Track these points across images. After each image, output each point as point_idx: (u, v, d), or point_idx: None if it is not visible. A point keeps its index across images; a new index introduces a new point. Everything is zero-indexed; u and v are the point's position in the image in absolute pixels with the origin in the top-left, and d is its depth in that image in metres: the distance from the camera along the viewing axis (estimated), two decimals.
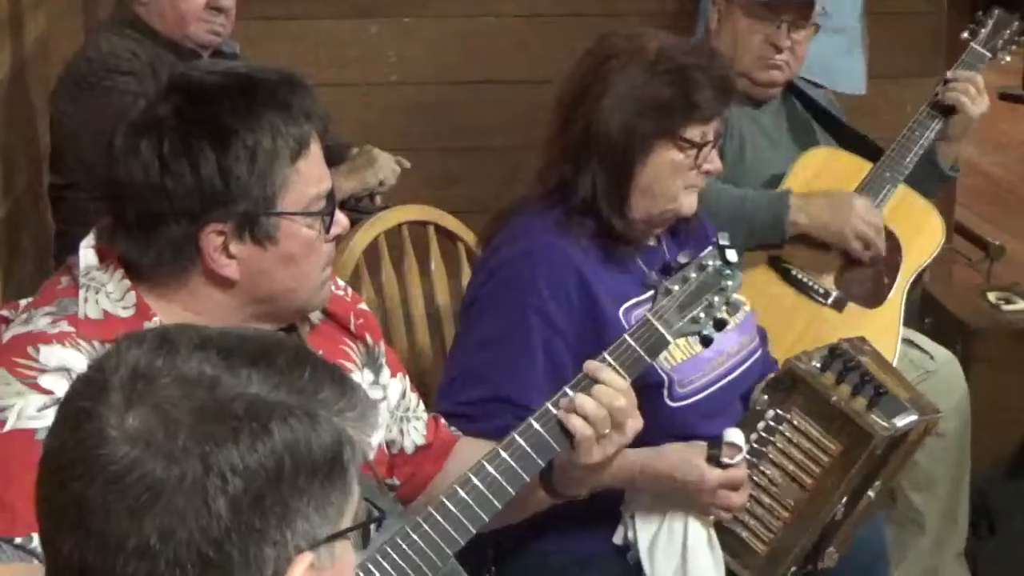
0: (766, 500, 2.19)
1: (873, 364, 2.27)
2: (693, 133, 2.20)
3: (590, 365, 1.89)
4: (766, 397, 2.18)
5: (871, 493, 2.28)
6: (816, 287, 2.82)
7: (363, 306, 1.96)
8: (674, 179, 2.22)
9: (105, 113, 2.83)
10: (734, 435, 2.09)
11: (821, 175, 2.93)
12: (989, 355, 3.40)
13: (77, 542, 1.01)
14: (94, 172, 2.90)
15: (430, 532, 1.77)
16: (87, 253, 1.72)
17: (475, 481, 1.81)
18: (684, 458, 2.09)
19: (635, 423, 1.88)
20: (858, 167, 2.94)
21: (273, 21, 3.79)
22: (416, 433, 1.98)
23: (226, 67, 1.73)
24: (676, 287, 1.95)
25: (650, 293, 2.23)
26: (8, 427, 1.57)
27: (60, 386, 1.59)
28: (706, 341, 1.97)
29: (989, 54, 3.02)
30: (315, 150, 1.71)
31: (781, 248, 2.82)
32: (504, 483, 1.82)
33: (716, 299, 1.96)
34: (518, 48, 3.99)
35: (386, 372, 1.95)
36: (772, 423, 2.18)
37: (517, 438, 1.84)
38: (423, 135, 3.91)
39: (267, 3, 3.70)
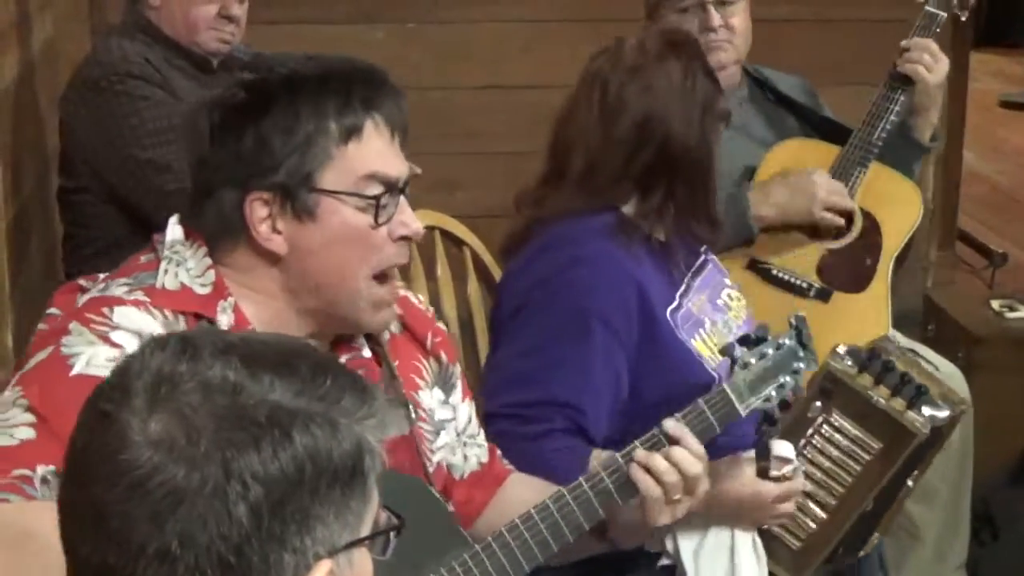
0: (803, 499, 2.19)
1: (901, 362, 2.28)
2: (725, 105, 2.25)
3: (670, 425, 1.88)
4: (818, 404, 2.18)
5: (910, 483, 2.32)
6: (798, 282, 2.80)
7: (441, 325, 1.96)
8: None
9: (115, 116, 2.85)
10: (783, 448, 2.06)
11: (791, 165, 2.89)
12: (992, 362, 3.42)
13: (97, 545, 1.01)
14: (103, 175, 2.92)
15: (486, 563, 1.78)
16: (174, 228, 1.74)
17: (536, 518, 1.81)
18: (736, 478, 2.05)
19: (705, 486, 1.88)
20: (828, 153, 2.90)
21: (279, 25, 3.79)
22: (474, 459, 1.97)
23: (309, 54, 1.75)
24: (753, 361, 1.96)
25: (679, 293, 2.24)
26: (75, 371, 1.59)
27: (131, 344, 1.61)
28: (770, 420, 1.97)
29: (943, 13, 2.94)
30: (373, 137, 1.69)
31: (752, 245, 2.81)
32: (564, 526, 1.83)
33: (788, 379, 1.97)
34: (523, 53, 3.99)
35: (458, 394, 1.94)
36: (815, 426, 2.20)
37: (583, 483, 1.84)
38: (427, 140, 3.91)
39: (273, 7, 3.70)
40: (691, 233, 2.24)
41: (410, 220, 1.73)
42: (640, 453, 1.85)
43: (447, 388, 1.92)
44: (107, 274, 1.75)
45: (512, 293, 2.32)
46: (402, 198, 1.73)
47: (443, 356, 1.92)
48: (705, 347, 2.22)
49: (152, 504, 0.99)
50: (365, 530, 1.06)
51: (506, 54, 3.99)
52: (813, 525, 2.20)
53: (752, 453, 2.07)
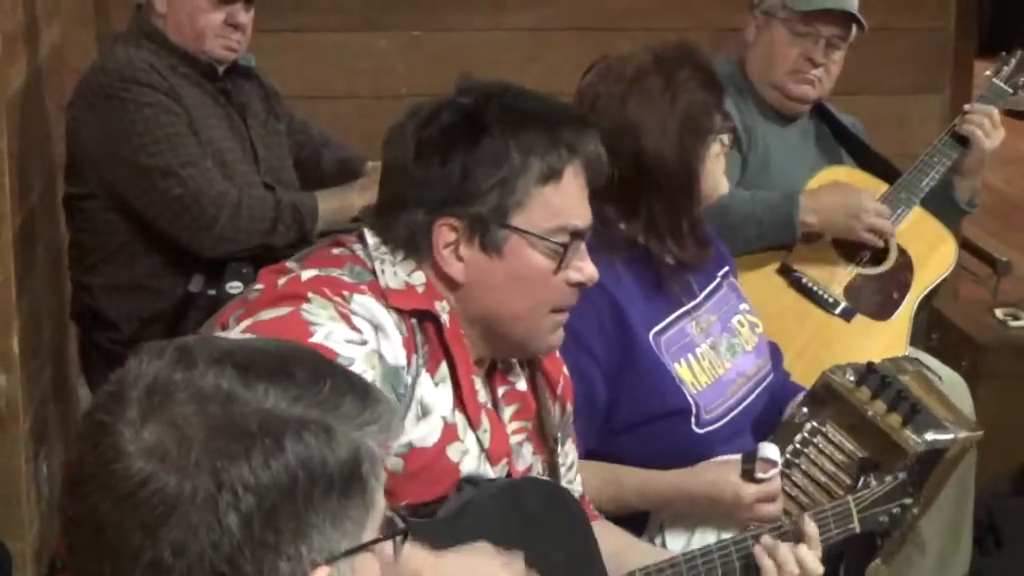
0: (796, 511, 2.20)
1: (914, 383, 2.29)
2: (720, 122, 2.25)
3: (809, 526, 1.93)
4: (805, 410, 2.21)
5: (914, 509, 2.31)
6: (826, 296, 2.86)
7: (566, 370, 1.97)
8: (717, 168, 2.26)
9: (122, 123, 2.86)
10: (769, 450, 2.12)
11: None
12: (996, 371, 3.42)
13: (94, 555, 1.02)
14: (109, 181, 2.92)
15: None
16: (369, 232, 1.74)
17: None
18: (719, 477, 2.11)
19: None
20: (875, 187, 3.00)
21: (283, 33, 3.81)
22: None
23: (521, 89, 1.78)
24: (874, 483, 2.08)
25: (677, 314, 2.23)
26: (315, 339, 1.59)
27: (369, 333, 1.63)
28: (872, 542, 2.10)
29: (1010, 90, 3.10)
30: (571, 184, 1.72)
31: (792, 249, 2.86)
32: None
33: (895, 510, 2.08)
34: (527, 61, 4.00)
35: (571, 441, 1.95)
36: (807, 435, 2.21)
37: (713, 550, 1.89)
38: None
39: (277, 16, 3.71)
40: (679, 252, 2.22)
41: (587, 267, 1.76)
42: (767, 539, 1.90)
43: (564, 435, 1.93)
44: (301, 255, 1.75)
45: None
46: (582, 244, 1.75)
47: (568, 405, 1.94)
48: (689, 372, 2.21)
49: (145, 514, 0.99)
50: (368, 536, 1.06)
51: (511, 63, 4.00)
52: None
53: (739, 456, 2.12)
